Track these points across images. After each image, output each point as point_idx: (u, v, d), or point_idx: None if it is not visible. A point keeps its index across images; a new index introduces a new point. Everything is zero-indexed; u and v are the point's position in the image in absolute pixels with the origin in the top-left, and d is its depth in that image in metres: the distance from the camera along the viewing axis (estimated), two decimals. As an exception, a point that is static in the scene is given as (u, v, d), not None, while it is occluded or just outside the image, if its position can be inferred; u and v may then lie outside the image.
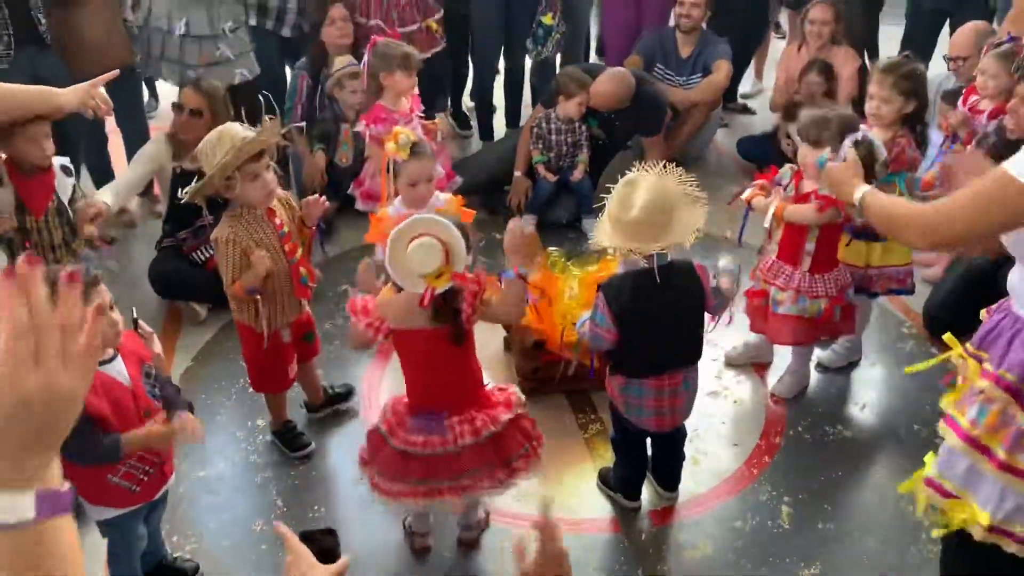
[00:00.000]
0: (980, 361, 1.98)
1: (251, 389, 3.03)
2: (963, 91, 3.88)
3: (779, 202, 2.96)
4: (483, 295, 2.24)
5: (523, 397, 2.49)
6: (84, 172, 4.56)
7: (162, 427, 2.18)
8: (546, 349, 3.14)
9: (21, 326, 0.82)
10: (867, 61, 5.15)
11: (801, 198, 2.97)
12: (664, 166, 2.41)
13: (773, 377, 3.36)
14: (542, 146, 4.47)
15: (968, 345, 2.06)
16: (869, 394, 3.33)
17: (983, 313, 2.05)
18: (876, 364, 3.49)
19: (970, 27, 4.07)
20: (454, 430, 2.31)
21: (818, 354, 3.44)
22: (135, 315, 2.35)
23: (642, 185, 2.35)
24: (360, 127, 3.85)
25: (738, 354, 3.47)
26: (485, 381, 2.46)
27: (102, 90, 2.83)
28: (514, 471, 2.39)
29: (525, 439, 2.42)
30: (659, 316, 2.43)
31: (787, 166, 3.11)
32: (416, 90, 4.02)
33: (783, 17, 6.88)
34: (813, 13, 4.80)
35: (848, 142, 2.78)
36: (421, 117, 3.96)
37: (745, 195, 3.14)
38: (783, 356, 3.37)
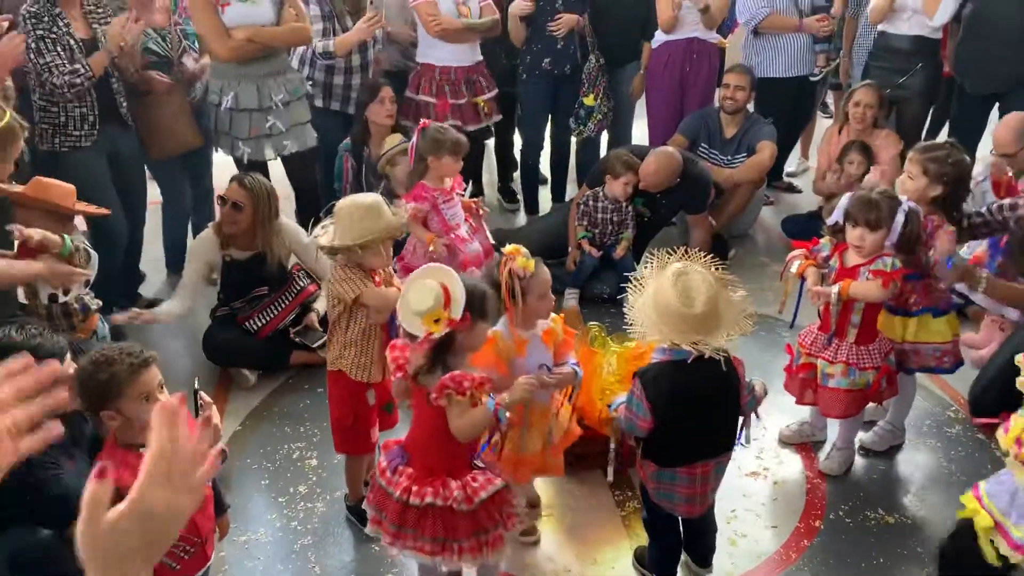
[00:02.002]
0: None
1: (331, 453, 3.09)
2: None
3: (842, 284, 2.95)
4: (461, 392, 2.21)
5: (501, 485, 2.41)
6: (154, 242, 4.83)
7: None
8: (584, 425, 3.16)
9: (165, 452, 0.99)
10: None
11: (848, 272, 2.99)
12: (697, 251, 2.47)
13: (818, 455, 3.34)
14: (587, 223, 4.57)
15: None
16: (914, 479, 3.27)
17: None
18: (921, 448, 3.44)
19: (1013, 119, 4.03)
20: (405, 486, 2.31)
21: (861, 437, 3.41)
22: (197, 385, 2.41)
23: (697, 277, 2.36)
24: (402, 205, 3.97)
25: (792, 432, 3.45)
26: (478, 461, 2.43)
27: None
28: (479, 546, 2.34)
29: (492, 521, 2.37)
30: (697, 407, 2.41)
31: (825, 238, 3.13)
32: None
33: (830, 97, 6.97)
34: (858, 95, 4.87)
35: (900, 217, 2.83)
36: (461, 195, 4.08)
37: (795, 268, 3.14)
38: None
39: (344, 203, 2.80)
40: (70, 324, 3.15)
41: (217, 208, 3.89)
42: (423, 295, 2.18)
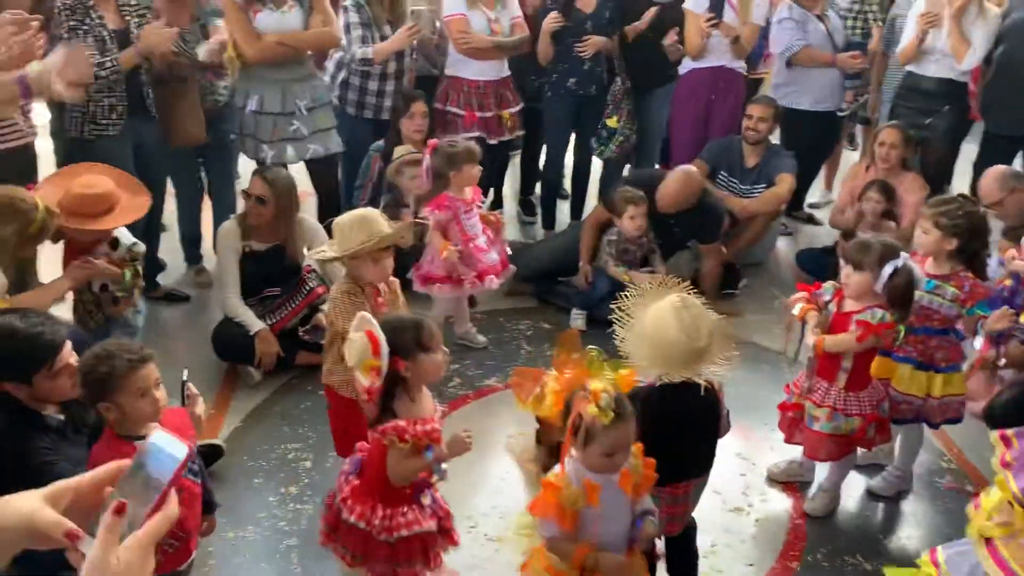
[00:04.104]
0: None
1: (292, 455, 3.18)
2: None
3: (817, 336, 3.00)
4: (402, 440, 2.26)
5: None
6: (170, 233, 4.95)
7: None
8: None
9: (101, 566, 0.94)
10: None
11: (841, 317, 3.02)
12: (707, 279, 2.48)
13: (805, 495, 3.36)
14: (617, 256, 4.55)
15: (1015, 489, 2.07)
16: (898, 527, 3.28)
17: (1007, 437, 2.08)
18: (909, 496, 3.44)
19: (995, 169, 4.10)
20: (344, 495, 2.39)
21: (868, 482, 3.44)
22: (185, 377, 2.49)
23: (697, 308, 2.38)
24: (426, 213, 4.06)
25: (780, 470, 3.47)
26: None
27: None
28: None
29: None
30: (683, 428, 2.47)
31: (830, 283, 3.15)
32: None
33: (858, 129, 6.95)
34: (883, 135, 4.87)
35: (888, 269, 2.85)
36: (479, 207, 4.15)
37: (796, 311, 3.17)
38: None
39: (340, 218, 2.90)
40: (114, 303, 3.48)
41: (242, 201, 3.97)
42: (350, 350, 2.23)
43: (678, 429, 2.46)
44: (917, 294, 3.02)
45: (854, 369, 3.01)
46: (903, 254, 2.86)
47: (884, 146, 4.85)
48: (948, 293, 3.09)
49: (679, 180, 4.52)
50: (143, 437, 2.21)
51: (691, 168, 4.66)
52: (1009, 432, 2.11)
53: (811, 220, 6.16)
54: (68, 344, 2.45)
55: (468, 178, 4.06)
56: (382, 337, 2.23)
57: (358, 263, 2.90)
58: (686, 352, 2.35)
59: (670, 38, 5.10)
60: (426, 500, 2.46)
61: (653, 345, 2.38)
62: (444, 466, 2.39)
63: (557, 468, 2.28)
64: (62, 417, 2.47)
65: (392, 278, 3.02)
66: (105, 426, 2.30)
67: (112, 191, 3.42)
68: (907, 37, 5.17)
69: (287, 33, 4.44)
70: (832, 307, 3.08)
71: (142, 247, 3.47)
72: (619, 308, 2.50)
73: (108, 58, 3.91)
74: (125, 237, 3.39)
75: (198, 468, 2.39)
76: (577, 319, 4.55)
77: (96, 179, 3.44)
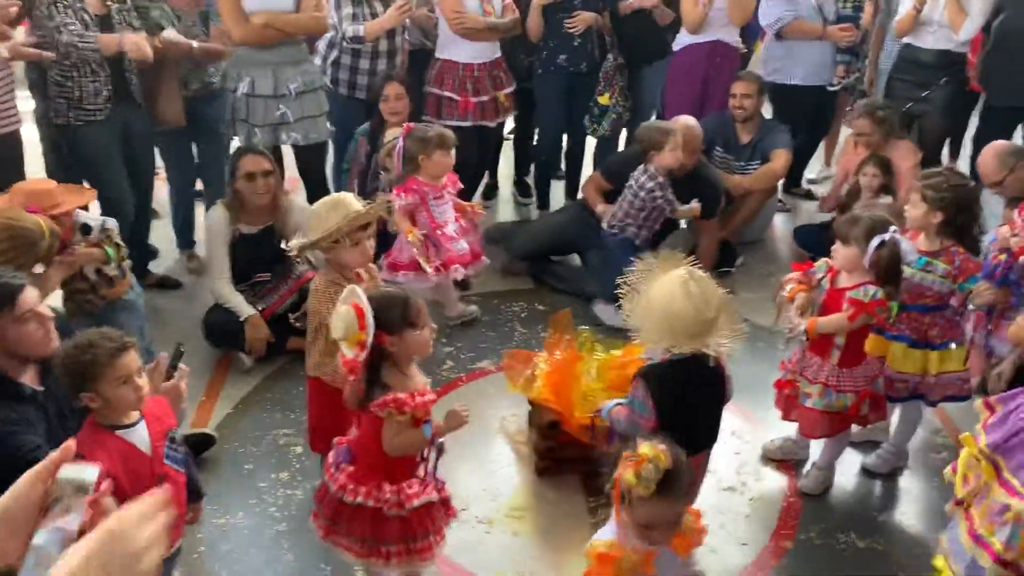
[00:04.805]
0: (997, 468, 1.97)
1: (287, 444, 3.17)
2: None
3: (798, 317, 2.98)
4: (400, 411, 2.25)
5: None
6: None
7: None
8: (562, 430, 3.19)
9: (110, 540, 0.93)
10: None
11: (835, 293, 2.99)
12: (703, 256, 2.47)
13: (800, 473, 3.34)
14: (625, 218, 4.43)
15: (983, 444, 2.06)
16: (893, 504, 3.25)
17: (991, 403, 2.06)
18: (904, 473, 3.41)
19: (995, 145, 3.93)
20: (342, 483, 2.36)
21: (863, 460, 3.41)
22: (181, 348, 2.52)
23: (705, 280, 2.41)
24: (391, 197, 4.01)
25: (775, 447, 3.45)
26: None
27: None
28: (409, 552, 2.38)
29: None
30: (695, 401, 2.51)
31: (822, 260, 3.12)
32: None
33: (858, 104, 6.86)
34: (856, 125, 4.81)
35: (875, 242, 2.81)
36: (451, 193, 4.11)
37: (786, 292, 3.15)
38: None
39: (314, 204, 2.87)
40: (109, 284, 3.38)
41: (246, 185, 3.87)
42: (337, 322, 2.22)
43: (692, 402, 2.50)
44: (908, 271, 2.98)
45: (847, 345, 2.98)
46: (892, 228, 2.81)
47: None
48: (939, 269, 3.05)
49: (683, 128, 4.42)
50: (126, 426, 2.24)
51: (691, 119, 4.58)
52: (992, 399, 2.08)
53: (809, 196, 6.10)
54: (32, 291, 2.44)
55: (438, 165, 4.00)
56: (369, 310, 2.22)
57: (338, 249, 2.85)
58: (695, 323, 2.37)
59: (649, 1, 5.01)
60: (421, 472, 2.45)
61: (661, 318, 2.40)
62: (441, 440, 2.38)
63: (605, 535, 2.19)
64: (41, 388, 2.46)
65: (370, 264, 3.00)
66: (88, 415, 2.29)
67: (54, 188, 3.40)
68: (903, 9, 5.09)
69: (275, 14, 4.39)
70: (825, 283, 3.05)
71: (113, 222, 3.37)
72: (625, 283, 2.50)
73: (90, 33, 3.88)
74: (92, 220, 3.34)
75: (182, 457, 2.37)
76: (605, 312, 4.25)
77: (36, 181, 3.49)
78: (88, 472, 0.99)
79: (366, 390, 2.30)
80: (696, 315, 2.36)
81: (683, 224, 4.91)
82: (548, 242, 4.85)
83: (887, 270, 2.79)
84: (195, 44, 4.27)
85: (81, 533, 0.96)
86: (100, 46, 3.90)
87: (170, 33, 4.20)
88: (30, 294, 2.42)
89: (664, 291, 2.41)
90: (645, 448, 2.03)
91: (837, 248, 2.93)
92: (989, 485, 2.04)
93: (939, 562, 2.19)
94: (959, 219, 3.10)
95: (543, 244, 4.84)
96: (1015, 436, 1.90)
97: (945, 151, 5.72)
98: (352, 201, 2.88)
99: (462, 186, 4.29)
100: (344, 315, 2.22)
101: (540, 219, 5.35)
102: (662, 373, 2.48)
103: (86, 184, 4.01)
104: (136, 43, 3.95)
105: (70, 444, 1.03)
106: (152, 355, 2.68)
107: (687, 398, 2.48)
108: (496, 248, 4.80)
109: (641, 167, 4.35)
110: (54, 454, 1.03)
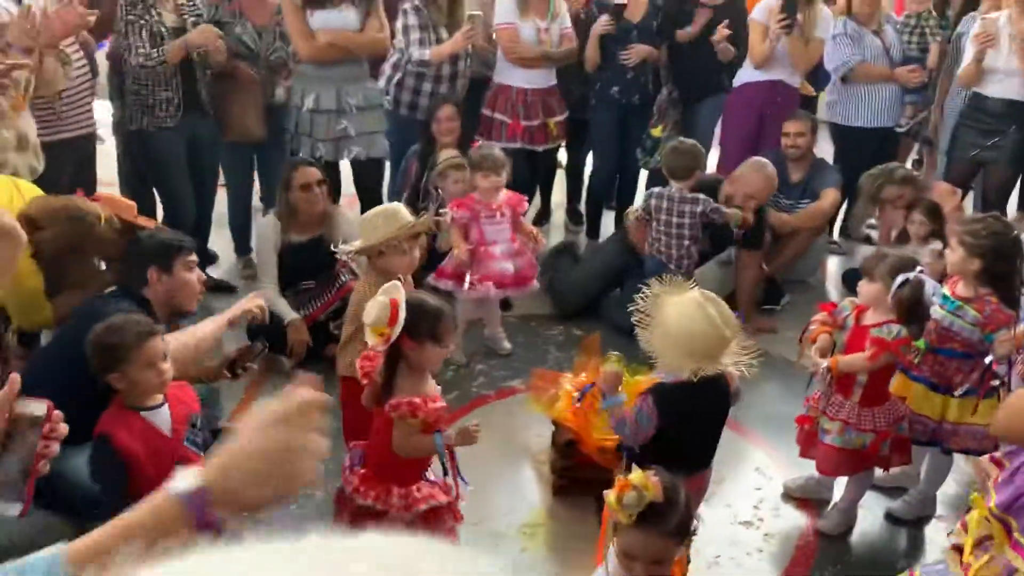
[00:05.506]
0: (1008, 529, 1.94)
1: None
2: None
3: (829, 359, 2.96)
4: (412, 415, 2.32)
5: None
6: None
7: None
8: (579, 450, 3.21)
9: (271, 453, 1.02)
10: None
11: (859, 330, 2.97)
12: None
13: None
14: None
15: (992, 504, 2.03)
16: (911, 553, 3.18)
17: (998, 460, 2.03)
18: (931, 522, 3.33)
19: None
20: (355, 485, 2.43)
21: (888, 505, 3.35)
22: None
23: (717, 301, 2.45)
24: (448, 209, 4.14)
25: (797, 486, 3.41)
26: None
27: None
28: None
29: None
30: (702, 422, 2.56)
31: (847, 299, 3.11)
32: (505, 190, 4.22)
33: (924, 150, 6.74)
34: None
35: (899, 280, 2.79)
36: (503, 215, 4.17)
37: (809, 332, 3.14)
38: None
39: (366, 213, 2.99)
40: None
41: (302, 196, 4.06)
42: (371, 308, 2.30)
43: (698, 421, 2.53)
44: (939, 313, 2.94)
45: (869, 384, 2.95)
46: (918, 268, 2.79)
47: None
48: (969, 316, 2.99)
49: (755, 167, 4.48)
50: (150, 408, 2.37)
51: (764, 160, 4.61)
52: (1000, 454, 2.05)
53: (868, 240, 6.00)
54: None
55: (482, 186, 4.10)
56: (403, 310, 2.30)
57: (387, 255, 2.98)
58: (716, 343, 2.42)
59: (720, 34, 5.04)
60: (431, 476, 2.52)
61: (682, 341, 2.43)
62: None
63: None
64: None
65: (407, 276, 3.09)
66: (115, 395, 2.42)
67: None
68: (967, 57, 5.02)
69: (340, 32, 4.58)
70: (851, 321, 3.03)
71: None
72: (637, 311, 2.53)
73: (155, 50, 4.12)
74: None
75: (201, 441, 2.49)
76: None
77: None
78: (37, 407, 1.09)
79: (382, 389, 2.38)
80: (716, 334, 2.40)
81: (730, 255, 4.89)
82: (595, 288, 4.80)
83: (909, 309, 2.77)
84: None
85: (39, 459, 1.06)
86: (167, 58, 4.13)
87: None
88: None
89: (681, 314, 2.43)
90: (636, 475, 1.97)
91: (863, 284, 2.92)
92: (1000, 545, 2.00)
93: None
94: (997, 267, 3.04)
95: (591, 291, 4.78)
96: (1023, 496, 1.86)
97: (1015, 202, 5.59)
98: (404, 211, 3.02)
99: (526, 208, 4.37)
100: (380, 305, 2.31)
101: (582, 264, 5.15)
102: (670, 393, 2.50)
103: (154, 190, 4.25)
104: (201, 32, 4.16)
105: (15, 377, 1.13)
106: None
107: (694, 417, 2.51)
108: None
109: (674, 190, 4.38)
110: (3, 391, 1.12)
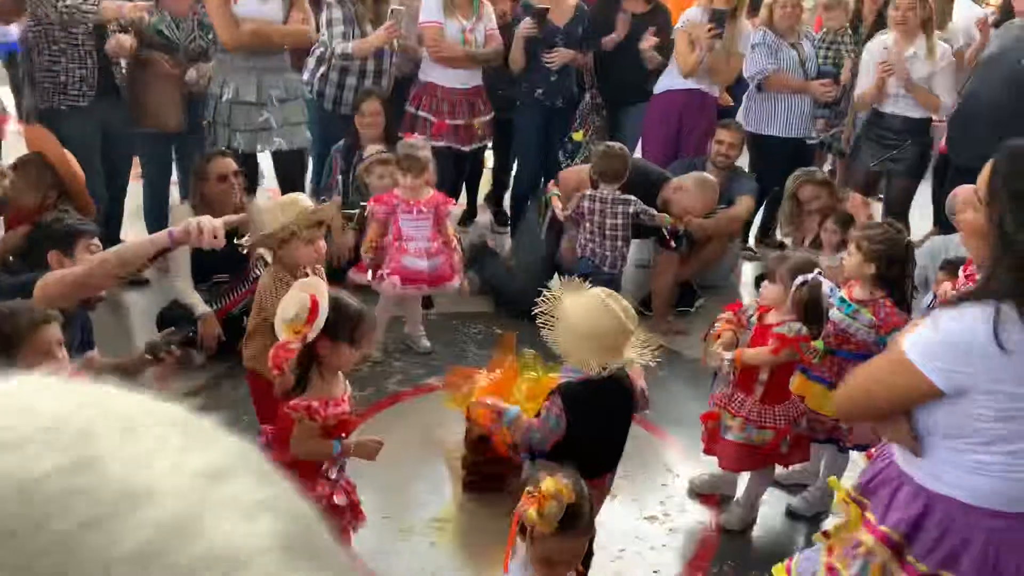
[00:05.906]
0: (863, 508, 2.03)
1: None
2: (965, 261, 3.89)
3: (734, 351, 3.06)
4: (311, 417, 2.32)
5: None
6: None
7: None
8: (490, 445, 3.23)
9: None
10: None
11: (762, 329, 3.08)
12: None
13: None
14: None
15: (851, 489, 2.13)
16: (810, 545, 3.27)
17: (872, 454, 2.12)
18: (829, 515, 3.44)
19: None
20: None
21: (789, 501, 3.45)
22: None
23: (617, 296, 2.51)
24: (368, 203, 4.13)
25: (703, 482, 3.49)
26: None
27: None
28: None
29: None
30: (607, 420, 2.58)
31: (750, 300, 3.21)
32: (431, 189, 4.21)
33: (836, 161, 6.97)
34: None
35: (797, 281, 2.90)
36: (422, 211, 4.14)
37: (714, 329, 3.24)
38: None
39: (267, 202, 2.97)
40: None
41: (218, 187, 3.98)
42: (289, 303, 2.28)
43: (605, 421, 2.56)
44: (837, 316, 3.06)
45: (770, 382, 3.05)
46: (817, 270, 2.90)
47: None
48: (864, 319, 3.11)
49: (701, 185, 4.58)
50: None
51: (710, 178, 4.70)
52: (874, 449, 2.15)
53: (782, 247, 6.18)
54: None
55: (406, 184, 4.06)
56: (323, 310, 2.28)
57: (290, 246, 2.95)
58: (621, 336, 2.47)
59: (647, 42, 5.14)
60: (332, 474, 2.50)
61: (590, 337, 2.46)
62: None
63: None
64: None
65: (318, 266, 3.08)
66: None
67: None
68: (865, 83, 5.22)
69: (264, 22, 4.53)
70: (754, 320, 3.13)
71: None
72: (541, 312, 2.56)
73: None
74: None
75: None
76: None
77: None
78: None
79: (294, 385, 2.37)
80: (621, 327, 2.45)
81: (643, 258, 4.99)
82: (529, 295, 4.75)
83: (807, 309, 2.87)
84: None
85: None
86: (101, 14, 4.08)
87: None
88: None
89: (585, 311, 2.47)
90: (548, 484, 1.97)
91: (765, 286, 3.02)
92: (855, 524, 2.09)
93: (779, 573, 2.24)
94: (891, 272, 3.18)
95: (527, 296, 4.74)
96: (878, 476, 1.96)
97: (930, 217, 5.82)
98: (304, 199, 3.00)
99: (451, 208, 4.36)
100: (299, 301, 2.28)
101: (518, 269, 4.99)
102: (577, 391, 2.53)
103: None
104: (108, 7, 4.12)
105: None
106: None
107: (601, 417, 2.54)
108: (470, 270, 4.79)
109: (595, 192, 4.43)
110: None
